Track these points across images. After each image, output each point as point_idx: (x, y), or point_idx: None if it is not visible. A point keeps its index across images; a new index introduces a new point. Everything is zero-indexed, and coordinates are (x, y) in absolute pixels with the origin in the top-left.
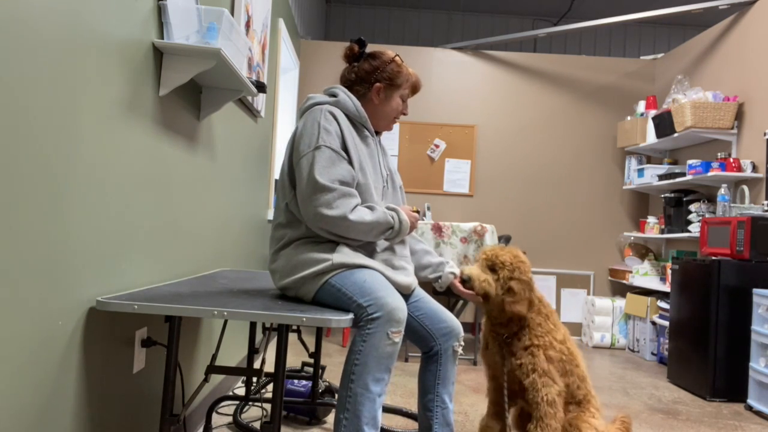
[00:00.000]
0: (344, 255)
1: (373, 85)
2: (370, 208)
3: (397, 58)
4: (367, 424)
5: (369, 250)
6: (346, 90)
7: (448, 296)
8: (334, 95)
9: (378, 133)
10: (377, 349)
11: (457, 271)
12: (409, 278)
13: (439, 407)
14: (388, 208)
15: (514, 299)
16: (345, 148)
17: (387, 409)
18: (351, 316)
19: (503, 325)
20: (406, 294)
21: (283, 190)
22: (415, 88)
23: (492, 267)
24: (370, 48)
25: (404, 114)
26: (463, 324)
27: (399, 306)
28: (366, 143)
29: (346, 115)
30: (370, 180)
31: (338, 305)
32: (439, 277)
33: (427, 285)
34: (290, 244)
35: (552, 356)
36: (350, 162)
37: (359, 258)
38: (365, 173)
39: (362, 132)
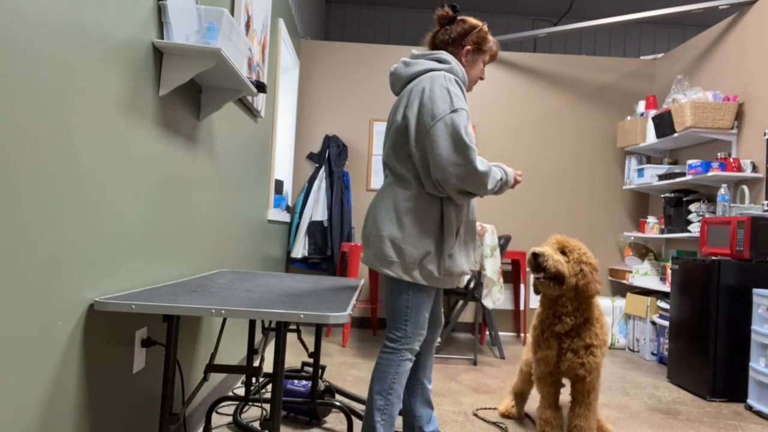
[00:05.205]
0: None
1: (464, 48)
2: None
3: (484, 25)
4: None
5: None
6: (452, 57)
7: (448, 295)
8: (445, 62)
9: None
10: (400, 368)
11: None
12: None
13: (419, 389)
14: (497, 166)
15: (585, 280)
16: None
17: None
18: (348, 312)
19: (569, 314)
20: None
21: (400, 156)
22: (493, 57)
23: (562, 251)
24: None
25: (482, 79)
26: (463, 324)
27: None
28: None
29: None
30: None
31: (393, 303)
32: None
33: None
34: (410, 213)
35: (604, 353)
36: None
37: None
38: None
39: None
